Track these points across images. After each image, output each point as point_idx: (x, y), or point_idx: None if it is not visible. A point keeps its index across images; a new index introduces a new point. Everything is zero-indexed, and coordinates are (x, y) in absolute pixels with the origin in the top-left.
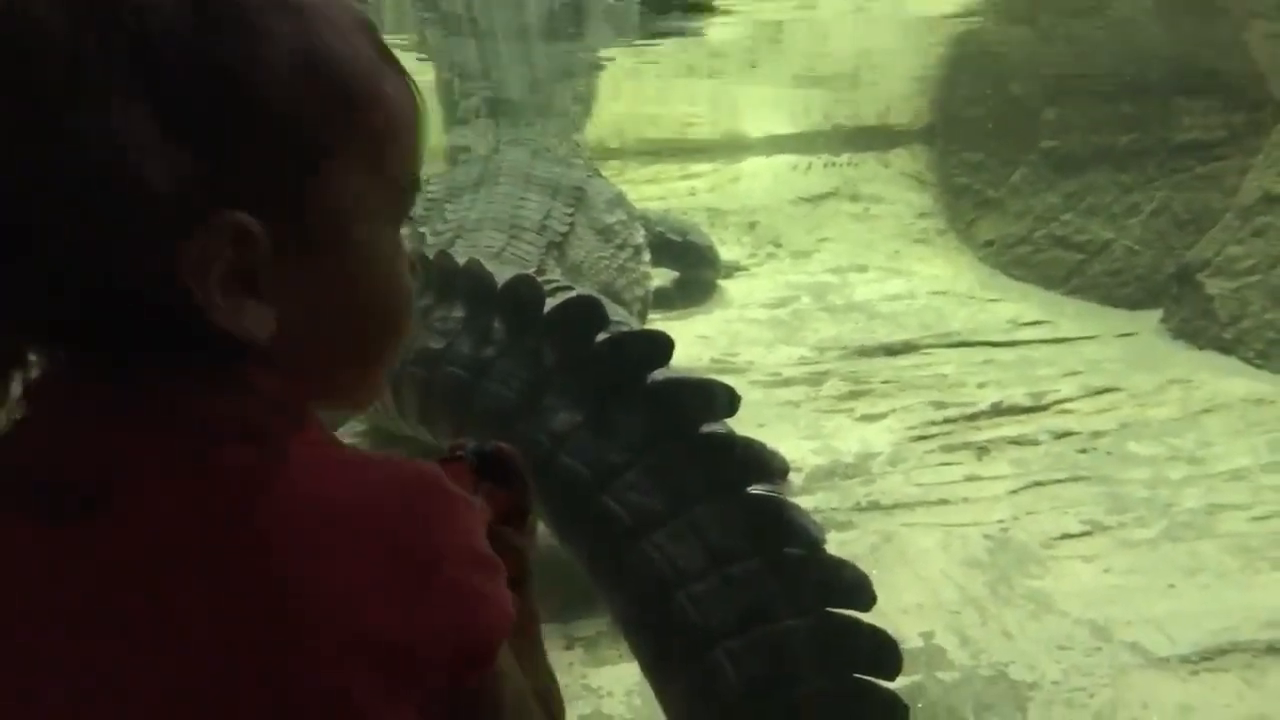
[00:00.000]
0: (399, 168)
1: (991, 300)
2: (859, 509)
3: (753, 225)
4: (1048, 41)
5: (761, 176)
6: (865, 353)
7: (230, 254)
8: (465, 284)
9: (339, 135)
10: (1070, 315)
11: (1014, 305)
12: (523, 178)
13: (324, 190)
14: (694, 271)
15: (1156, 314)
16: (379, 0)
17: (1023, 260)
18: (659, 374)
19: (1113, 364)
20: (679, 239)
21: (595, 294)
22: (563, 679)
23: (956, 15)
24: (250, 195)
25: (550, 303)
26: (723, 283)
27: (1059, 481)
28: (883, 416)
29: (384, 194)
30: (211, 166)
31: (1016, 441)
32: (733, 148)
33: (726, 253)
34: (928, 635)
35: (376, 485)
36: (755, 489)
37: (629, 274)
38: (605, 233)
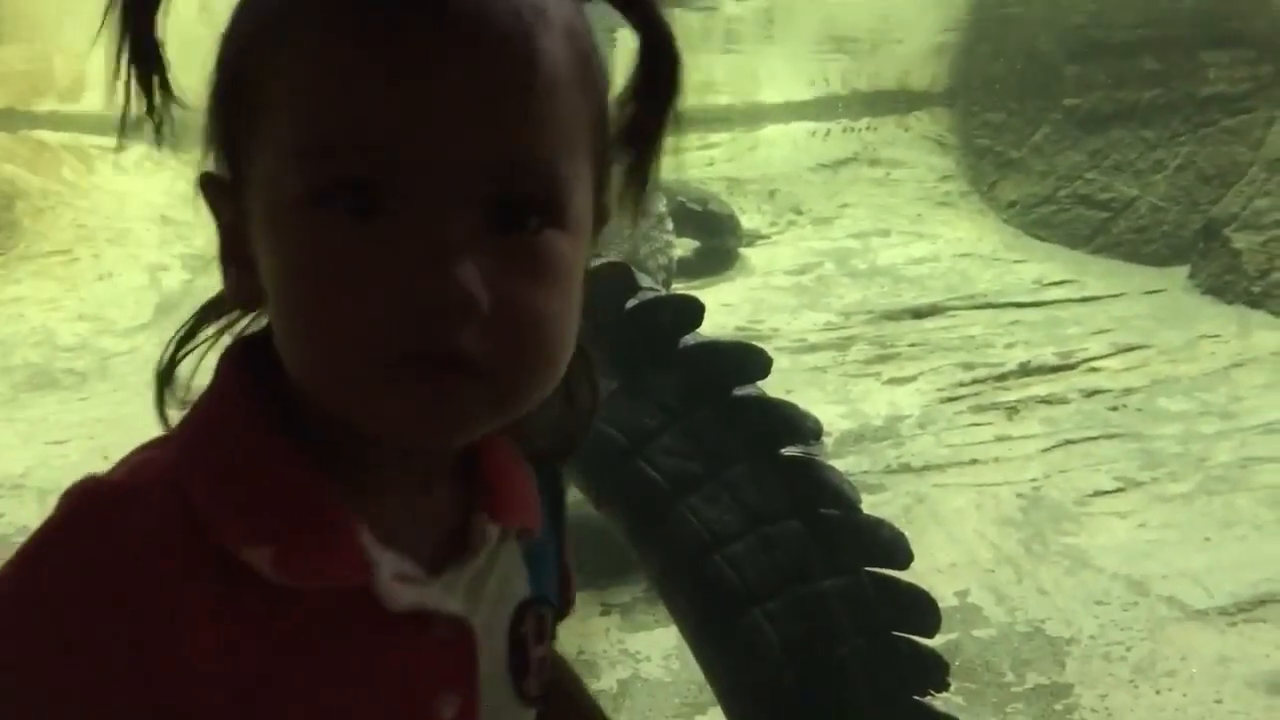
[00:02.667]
0: (299, 134)
1: (1017, 261)
2: (889, 471)
3: (772, 193)
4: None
5: (780, 144)
6: (891, 316)
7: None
8: None
9: (257, 91)
10: (1096, 274)
11: (1039, 265)
12: None
13: (253, 155)
14: (715, 240)
15: (1184, 270)
16: None
17: (1047, 220)
18: (691, 338)
19: (1141, 321)
20: (699, 208)
21: (624, 260)
22: (599, 645)
23: None
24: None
25: None
26: (744, 251)
27: (1091, 439)
28: (911, 379)
29: (284, 164)
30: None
31: (1046, 400)
32: (751, 116)
33: (747, 221)
34: (962, 594)
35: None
36: (790, 450)
37: (652, 242)
38: None
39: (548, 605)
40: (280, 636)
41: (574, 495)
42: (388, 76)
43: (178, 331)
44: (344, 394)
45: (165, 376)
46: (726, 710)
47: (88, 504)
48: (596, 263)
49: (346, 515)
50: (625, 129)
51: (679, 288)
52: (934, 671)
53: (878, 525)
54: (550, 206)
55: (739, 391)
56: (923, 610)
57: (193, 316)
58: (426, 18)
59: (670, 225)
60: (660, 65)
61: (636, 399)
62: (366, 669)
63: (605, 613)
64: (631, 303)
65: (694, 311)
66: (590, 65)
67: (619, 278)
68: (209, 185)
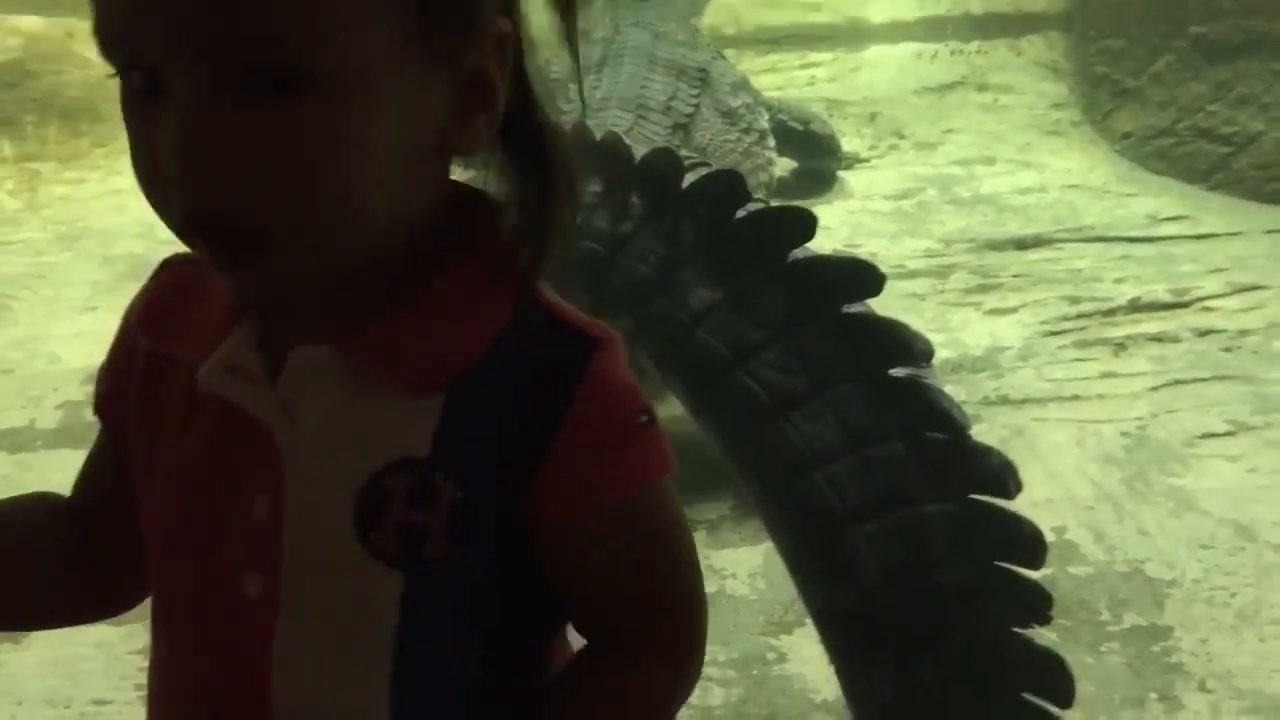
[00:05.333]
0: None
1: (1129, 194)
2: (987, 403)
3: (874, 116)
4: None
5: (884, 66)
6: (994, 246)
7: None
8: (602, 157)
9: None
10: (1214, 211)
11: (1153, 200)
12: (646, 58)
13: None
14: (815, 161)
15: None
16: None
17: (1163, 153)
18: (800, 252)
19: (1260, 261)
20: (800, 127)
21: (734, 170)
22: None
23: None
24: None
25: (689, 178)
26: (843, 174)
27: (1202, 380)
28: (1013, 311)
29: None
30: None
31: (1156, 338)
32: (855, 35)
33: (846, 144)
34: (1059, 530)
35: None
36: (898, 371)
37: (754, 158)
38: (730, 116)
39: (444, 474)
40: (152, 389)
41: (672, 408)
42: None
43: None
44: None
45: None
46: (821, 632)
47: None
48: (703, 171)
49: (233, 309)
50: None
51: None
52: (1037, 604)
53: (986, 452)
54: (317, 74)
55: (848, 308)
56: (1028, 541)
57: None
58: None
59: (772, 142)
60: None
61: (741, 312)
62: (190, 440)
63: (692, 528)
64: (740, 213)
65: (805, 225)
66: None
67: (729, 187)
68: None
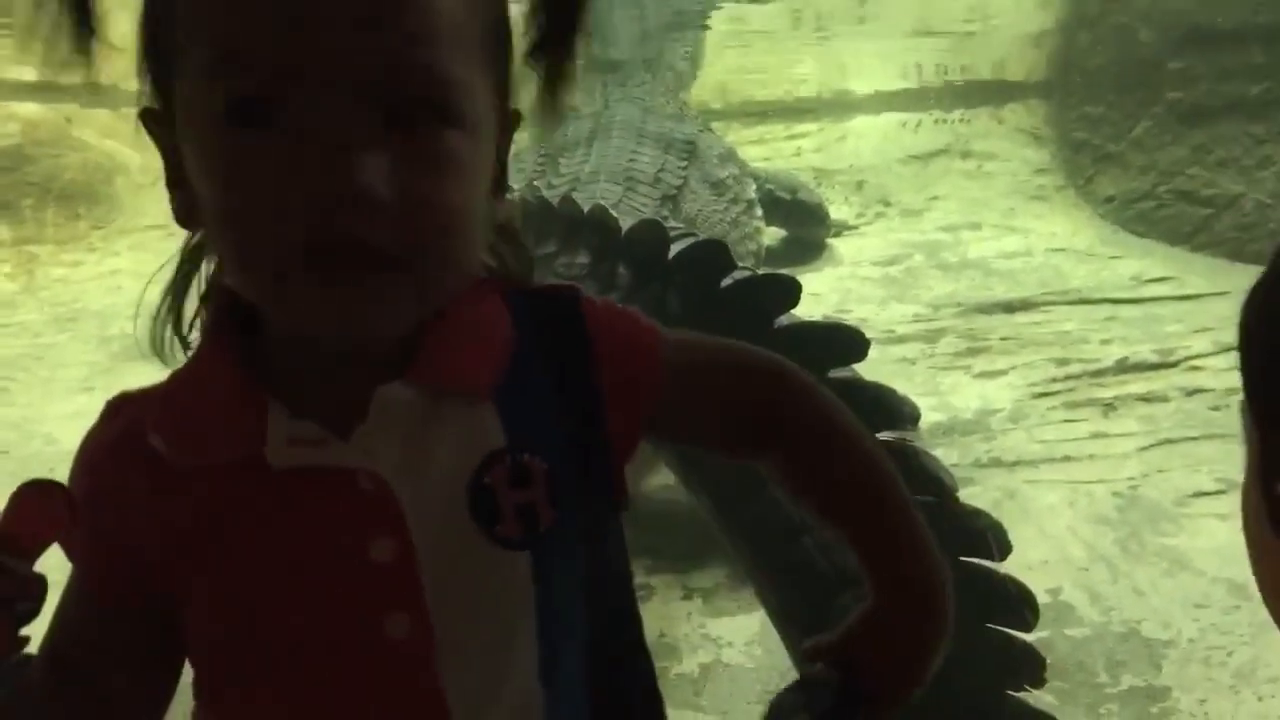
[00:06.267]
0: (204, 57)
1: (1113, 257)
2: (979, 465)
3: (860, 184)
4: None
5: (869, 135)
6: (982, 309)
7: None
8: (590, 229)
9: (173, 24)
10: (1198, 271)
11: (1137, 262)
12: (635, 132)
13: (175, 83)
14: (803, 229)
15: None
16: None
17: (1146, 216)
18: (786, 318)
19: None
20: (788, 196)
21: (720, 239)
22: (681, 629)
23: None
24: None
25: (675, 247)
26: (831, 241)
27: (1191, 439)
28: (1002, 373)
29: (197, 86)
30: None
31: (1145, 398)
32: (840, 106)
33: (834, 212)
34: (1055, 591)
35: None
36: (885, 435)
37: (742, 228)
38: (718, 186)
39: (528, 453)
40: (191, 509)
41: (664, 478)
42: (260, 19)
43: (172, 277)
44: (264, 289)
45: (174, 317)
46: None
47: (93, 426)
48: (689, 241)
49: (257, 398)
50: (536, 39)
51: None
52: (1030, 667)
53: (975, 514)
54: (442, 106)
55: (835, 373)
56: (1020, 604)
57: (178, 263)
58: None
59: (759, 212)
60: None
61: None
62: (274, 525)
63: (687, 597)
64: (727, 281)
65: (790, 291)
66: None
67: (714, 255)
68: (147, 118)
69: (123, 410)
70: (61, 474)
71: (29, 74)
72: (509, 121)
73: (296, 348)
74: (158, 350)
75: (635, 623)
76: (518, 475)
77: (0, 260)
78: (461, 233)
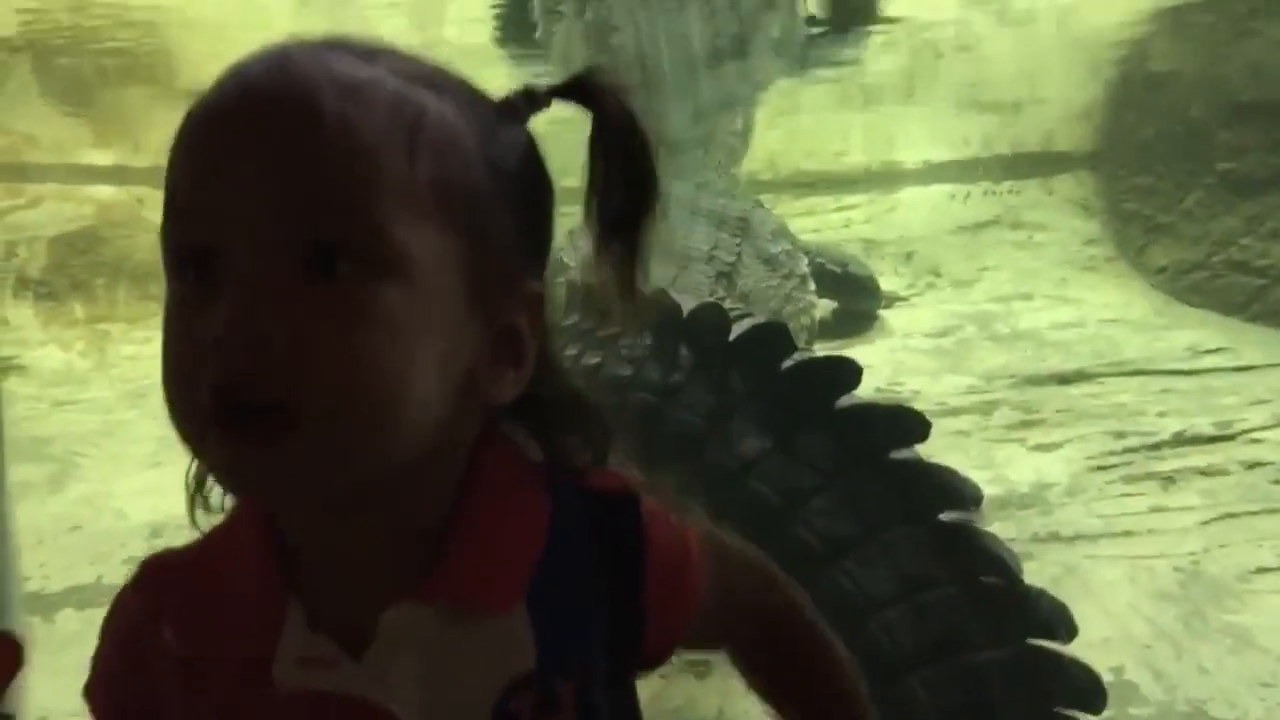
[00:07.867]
0: (163, 232)
1: (1167, 328)
2: (1037, 540)
3: (910, 255)
4: (1221, 60)
5: (918, 207)
6: (1036, 381)
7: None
8: (650, 310)
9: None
10: (1253, 342)
11: (1192, 332)
12: (689, 209)
13: None
14: (854, 302)
15: None
16: (547, 39)
17: (1199, 286)
18: (847, 399)
19: None
20: (838, 269)
21: (780, 320)
22: (739, 705)
23: (1123, 38)
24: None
25: (736, 329)
26: (882, 313)
27: (1252, 513)
28: (1058, 446)
29: (161, 234)
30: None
31: (1204, 472)
32: (889, 178)
33: (885, 284)
34: (1118, 670)
35: None
36: (948, 516)
37: (795, 302)
38: (771, 262)
39: (561, 676)
40: (204, 701)
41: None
42: (195, 175)
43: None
44: (191, 448)
45: (198, 481)
46: None
47: (126, 585)
48: (750, 322)
49: (277, 596)
50: (608, 219)
51: (819, 349)
52: None
53: (1039, 596)
54: (365, 253)
55: (896, 454)
56: (1087, 687)
57: None
58: (228, 120)
59: (812, 286)
60: (629, 151)
61: (791, 459)
62: None
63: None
64: (788, 363)
65: (851, 373)
66: (421, 136)
67: (775, 337)
68: None
69: (152, 579)
70: (132, 549)
71: (103, 158)
72: (517, 291)
73: (314, 532)
74: (193, 519)
75: None
76: (545, 702)
77: (74, 338)
78: (392, 398)
